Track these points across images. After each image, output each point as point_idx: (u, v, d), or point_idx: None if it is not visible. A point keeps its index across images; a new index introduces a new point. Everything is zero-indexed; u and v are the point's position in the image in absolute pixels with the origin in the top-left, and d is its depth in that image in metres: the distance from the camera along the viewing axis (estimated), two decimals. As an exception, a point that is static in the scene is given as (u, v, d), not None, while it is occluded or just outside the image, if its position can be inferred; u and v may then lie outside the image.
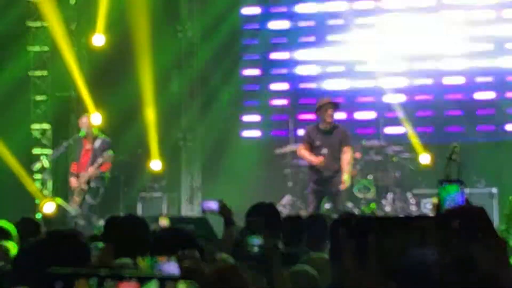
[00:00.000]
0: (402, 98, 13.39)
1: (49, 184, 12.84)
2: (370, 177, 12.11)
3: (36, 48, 13.54)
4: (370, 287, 1.04)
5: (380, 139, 12.43)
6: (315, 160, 10.27)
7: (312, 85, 13.82)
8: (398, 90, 13.37)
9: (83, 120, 11.18)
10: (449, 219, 1.07)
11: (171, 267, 5.41)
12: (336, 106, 10.45)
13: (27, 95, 13.42)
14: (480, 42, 13.22)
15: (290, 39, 14.03)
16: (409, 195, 12.33)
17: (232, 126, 14.02)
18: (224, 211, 5.82)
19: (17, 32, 13.28)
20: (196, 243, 3.87)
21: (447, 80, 13.37)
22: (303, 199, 11.95)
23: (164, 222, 7.19)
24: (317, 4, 13.91)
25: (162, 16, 13.85)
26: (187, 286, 0.94)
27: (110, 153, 10.80)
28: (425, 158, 12.68)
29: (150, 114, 13.45)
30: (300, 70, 13.97)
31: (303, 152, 10.53)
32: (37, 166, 12.55)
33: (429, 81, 13.43)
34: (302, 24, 14.00)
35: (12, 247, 5.71)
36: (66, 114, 13.64)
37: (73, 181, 11.04)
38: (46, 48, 13.51)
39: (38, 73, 13.51)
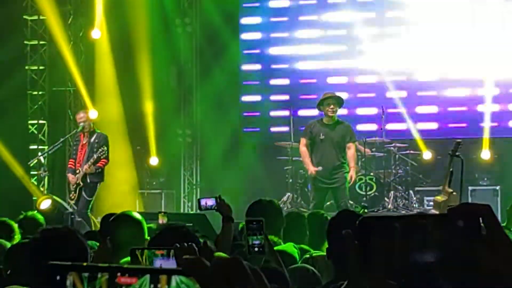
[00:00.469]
0: (404, 94, 13.27)
1: (46, 180, 12.72)
2: (372, 174, 12.00)
3: (33, 42, 13.43)
4: (373, 286, 0.96)
5: (382, 135, 12.30)
6: (311, 168, 10.18)
7: (312, 81, 13.69)
8: (400, 86, 13.25)
9: (80, 115, 11.08)
10: (454, 217, 0.98)
11: (169, 262, 5.34)
12: (338, 101, 10.28)
13: (24, 90, 13.31)
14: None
15: (291, 33, 13.91)
16: (411, 192, 12.22)
17: (232, 122, 13.89)
18: (222, 207, 5.70)
19: (14, 26, 13.16)
20: (195, 240, 3.77)
21: (451, 76, 13.24)
22: (304, 196, 11.83)
23: (162, 219, 7.13)
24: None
25: (161, 11, 13.75)
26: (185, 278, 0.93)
27: (105, 149, 10.69)
28: (427, 155, 12.58)
29: (149, 110, 13.38)
30: (301, 65, 13.85)
31: (304, 151, 10.36)
32: (34, 162, 12.42)
33: (432, 77, 13.30)
34: (302, 18, 13.87)
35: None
36: (63, 109, 13.53)
37: (70, 177, 10.95)
38: (43, 42, 13.41)
39: (34, 67, 13.41)
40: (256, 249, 3.77)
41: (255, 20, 14.20)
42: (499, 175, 12.49)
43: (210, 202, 5.81)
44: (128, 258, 3.02)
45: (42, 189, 12.66)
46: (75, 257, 3.11)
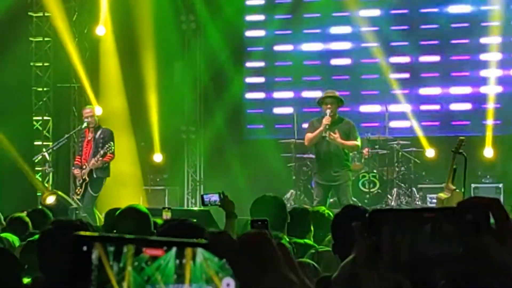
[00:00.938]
0: (407, 91, 13.27)
1: (51, 176, 12.75)
2: (375, 171, 12.01)
3: (38, 39, 13.45)
4: (382, 280, 0.96)
5: (386, 133, 12.30)
6: (323, 124, 9.95)
7: (316, 78, 13.70)
8: (404, 83, 13.25)
9: (87, 111, 11.11)
10: (463, 210, 0.99)
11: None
12: (335, 100, 10.18)
13: (28, 86, 13.33)
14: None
15: (295, 31, 13.91)
16: (414, 189, 12.23)
17: (236, 119, 13.90)
18: (225, 203, 5.73)
19: (19, 22, 13.18)
20: (201, 233, 3.78)
21: (454, 74, 13.25)
22: (307, 193, 11.85)
23: (166, 215, 7.17)
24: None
25: (165, 7, 13.75)
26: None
27: (111, 144, 10.73)
28: (430, 153, 12.59)
29: (153, 106, 13.39)
30: (304, 63, 13.86)
31: (310, 135, 10.24)
32: (39, 158, 12.45)
33: (435, 75, 13.31)
34: (307, 15, 13.87)
35: (16, 241, 5.74)
36: (67, 106, 13.55)
37: (76, 171, 10.99)
38: (48, 39, 13.43)
39: (39, 64, 13.43)
40: None
41: (259, 17, 14.21)
42: (502, 172, 12.50)
43: (214, 197, 5.85)
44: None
45: (46, 185, 12.70)
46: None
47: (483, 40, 13.19)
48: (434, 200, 11.31)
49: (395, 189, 11.97)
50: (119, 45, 13.42)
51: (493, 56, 13.05)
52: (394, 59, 13.42)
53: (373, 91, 13.48)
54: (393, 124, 12.88)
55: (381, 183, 11.92)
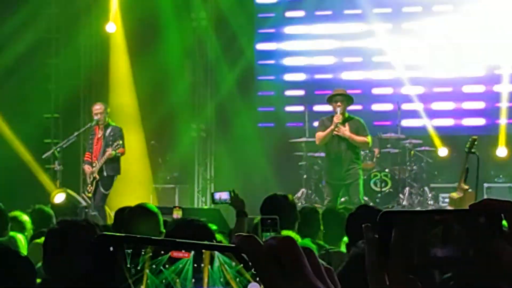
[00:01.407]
0: (420, 90, 13.18)
1: (60, 174, 12.72)
2: (387, 170, 11.92)
3: (49, 35, 13.42)
4: (392, 282, 0.93)
5: (398, 131, 12.21)
6: (334, 122, 9.90)
7: (328, 76, 13.62)
8: (416, 82, 13.16)
9: (96, 107, 11.08)
10: (476, 212, 0.95)
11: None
12: (346, 98, 10.10)
13: (38, 84, 13.31)
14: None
15: (306, 28, 13.85)
16: (426, 189, 12.14)
17: (247, 117, 13.83)
18: (235, 202, 5.69)
19: (30, 19, 13.15)
20: (210, 233, 3.77)
21: (466, 73, 13.15)
22: (318, 192, 11.78)
23: (177, 214, 7.13)
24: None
25: (175, 5, 13.70)
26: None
27: (120, 142, 10.70)
28: (443, 151, 12.49)
29: (163, 104, 13.36)
30: (316, 61, 13.79)
31: (321, 133, 10.19)
32: (48, 155, 12.42)
33: (448, 74, 13.21)
34: (318, 13, 13.80)
35: (23, 239, 5.72)
36: (77, 103, 13.52)
37: (86, 167, 10.98)
38: (58, 36, 13.41)
39: (49, 60, 13.41)
40: None
41: (271, 14, 14.16)
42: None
43: (224, 196, 5.80)
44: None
45: (56, 182, 12.66)
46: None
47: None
48: (447, 200, 11.21)
49: (407, 188, 11.88)
50: (129, 42, 13.39)
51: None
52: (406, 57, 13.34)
53: (385, 89, 13.40)
54: (405, 122, 12.77)
55: (393, 182, 11.84)
